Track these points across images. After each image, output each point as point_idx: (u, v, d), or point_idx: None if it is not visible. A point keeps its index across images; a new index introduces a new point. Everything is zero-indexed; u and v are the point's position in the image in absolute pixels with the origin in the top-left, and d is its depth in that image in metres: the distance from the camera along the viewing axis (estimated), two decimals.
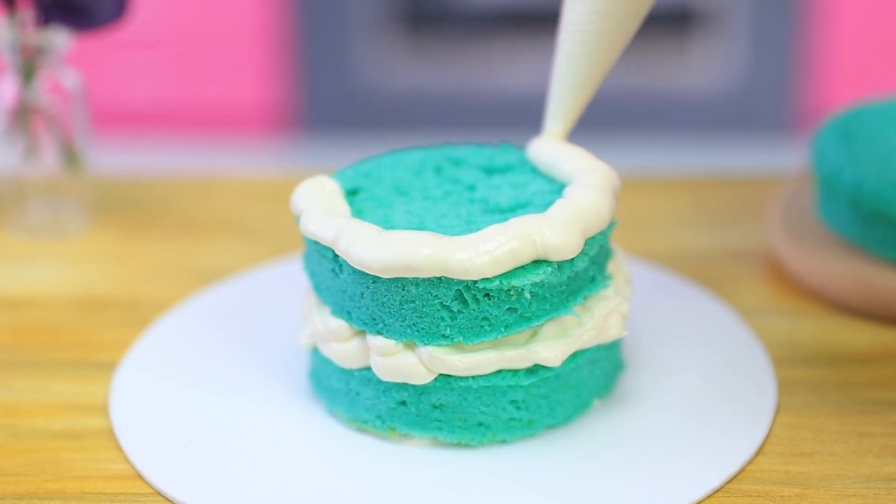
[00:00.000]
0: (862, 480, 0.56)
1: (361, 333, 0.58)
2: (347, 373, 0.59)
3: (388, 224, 0.58)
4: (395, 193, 0.61)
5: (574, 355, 0.58)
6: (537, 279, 0.55)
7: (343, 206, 0.58)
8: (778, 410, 0.60)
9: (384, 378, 0.57)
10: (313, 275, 0.60)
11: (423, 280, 0.54)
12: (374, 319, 0.57)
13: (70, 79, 0.78)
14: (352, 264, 0.55)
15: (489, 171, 0.63)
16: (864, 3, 1.93)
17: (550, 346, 0.56)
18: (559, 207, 0.56)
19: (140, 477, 0.57)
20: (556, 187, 0.60)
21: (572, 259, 0.56)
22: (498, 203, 0.59)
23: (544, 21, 2.08)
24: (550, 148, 0.61)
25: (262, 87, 2.03)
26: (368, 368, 0.58)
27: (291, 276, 0.70)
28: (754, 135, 2.02)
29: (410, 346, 0.56)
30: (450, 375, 0.56)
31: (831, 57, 1.95)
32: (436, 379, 0.56)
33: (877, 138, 0.72)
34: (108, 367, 0.65)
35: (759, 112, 2.01)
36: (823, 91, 1.96)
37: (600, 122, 2.02)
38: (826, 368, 0.64)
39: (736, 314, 0.68)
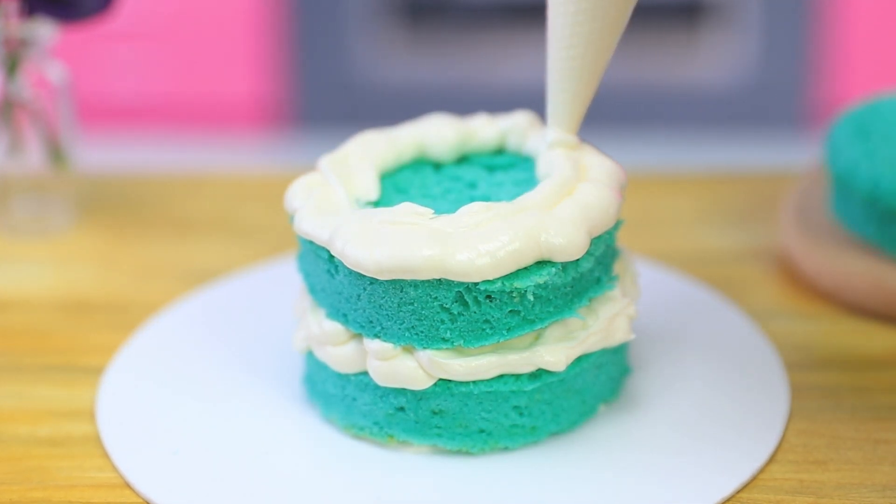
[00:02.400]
0: (878, 489, 0.56)
1: (358, 337, 0.58)
2: (343, 377, 0.59)
3: None
4: (393, 191, 0.61)
5: (579, 359, 0.58)
6: (541, 280, 0.55)
7: (343, 203, 0.58)
8: (791, 416, 0.60)
9: (382, 383, 0.57)
10: (308, 276, 0.60)
11: (422, 282, 0.54)
12: (371, 322, 0.57)
13: (55, 72, 0.78)
14: (347, 265, 0.55)
15: (491, 167, 0.63)
16: None
17: (554, 349, 0.56)
18: (564, 206, 0.56)
19: (128, 485, 0.57)
20: None
21: (577, 259, 0.56)
22: (500, 201, 0.59)
23: (545, 12, 2.08)
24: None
25: (255, 81, 2.02)
26: (365, 373, 0.58)
27: (285, 277, 0.70)
28: (766, 130, 2.02)
29: (409, 349, 0.56)
30: (450, 380, 0.56)
31: (846, 49, 1.95)
32: (435, 384, 0.56)
33: (894, 133, 0.72)
34: (94, 372, 0.65)
35: (771, 106, 2.01)
36: (838, 84, 1.96)
37: (606, 117, 2.02)
38: (840, 373, 0.64)
39: (747, 316, 0.68)
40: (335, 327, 0.58)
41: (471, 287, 0.54)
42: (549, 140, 0.59)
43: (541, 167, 0.60)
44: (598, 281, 0.58)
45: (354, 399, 0.59)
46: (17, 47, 0.76)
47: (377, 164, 0.61)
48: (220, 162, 1.91)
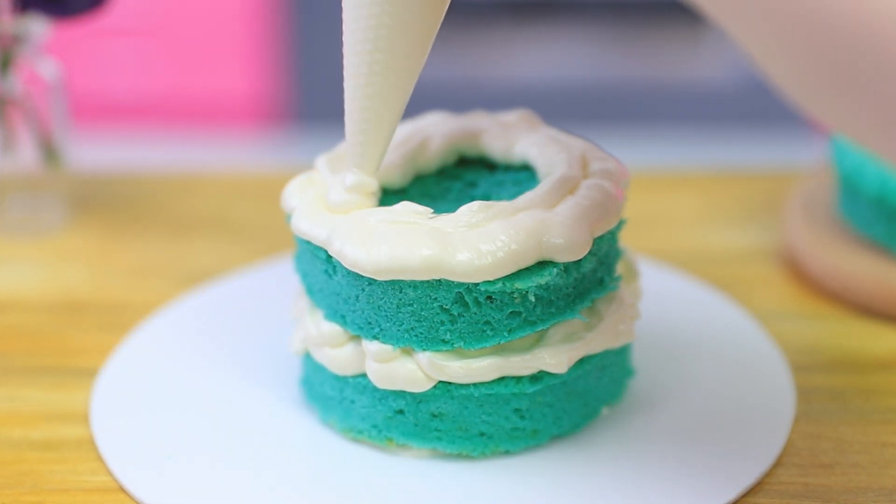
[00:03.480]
0: (885, 494, 0.56)
1: (356, 338, 0.58)
2: (342, 380, 0.59)
3: None
4: (392, 191, 0.61)
5: (581, 361, 0.58)
6: (542, 281, 0.55)
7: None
8: (796, 419, 0.60)
9: (380, 385, 0.57)
10: (305, 276, 0.60)
11: (422, 282, 0.54)
12: (369, 323, 0.56)
13: (48, 69, 0.78)
14: (346, 265, 0.55)
15: (491, 166, 0.63)
16: None
17: (556, 351, 0.56)
18: (565, 205, 0.56)
19: (122, 490, 0.57)
20: None
21: (579, 260, 0.56)
22: (500, 200, 0.59)
23: (546, 9, 2.08)
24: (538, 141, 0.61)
25: (252, 78, 2.03)
26: (364, 375, 0.58)
27: (282, 277, 0.70)
28: (772, 128, 2.02)
29: (408, 351, 0.56)
30: (450, 383, 0.56)
31: None
32: (435, 386, 0.56)
33: None
34: (88, 374, 0.65)
35: (777, 105, 2.01)
36: None
37: (610, 115, 2.02)
38: (847, 375, 0.64)
39: (752, 317, 0.68)
40: (333, 329, 0.58)
41: (471, 288, 0.54)
42: (347, 184, 0.57)
43: (542, 166, 0.60)
44: (601, 281, 0.58)
45: (353, 402, 0.59)
46: (9, 44, 0.76)
47: None
48: (216, 160, 1.91)
